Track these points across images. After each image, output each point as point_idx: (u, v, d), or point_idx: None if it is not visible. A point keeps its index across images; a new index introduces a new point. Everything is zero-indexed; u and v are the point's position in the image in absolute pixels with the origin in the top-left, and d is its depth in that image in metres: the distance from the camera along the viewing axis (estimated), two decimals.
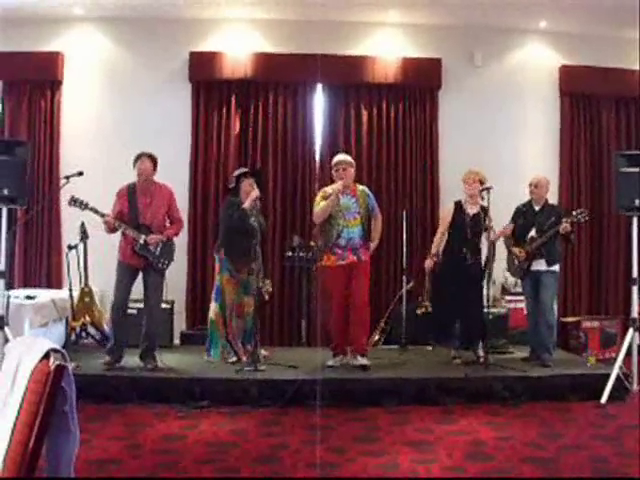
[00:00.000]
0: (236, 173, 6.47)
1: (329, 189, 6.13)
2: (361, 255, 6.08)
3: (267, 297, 6.67)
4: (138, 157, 5.88)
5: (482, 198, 6.28)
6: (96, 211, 5.76)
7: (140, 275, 5.96)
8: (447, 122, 8.09)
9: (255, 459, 4.19)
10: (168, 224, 6.08)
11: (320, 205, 6.09)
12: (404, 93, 8.08)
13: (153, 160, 5.92)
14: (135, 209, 5.85)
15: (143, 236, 5.79)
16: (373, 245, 6.30)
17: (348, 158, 6.34)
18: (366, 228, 6.16)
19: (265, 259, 6.57)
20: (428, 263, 6.50)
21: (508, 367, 5.94)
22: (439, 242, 6.46)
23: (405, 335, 7.15)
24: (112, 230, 5.85)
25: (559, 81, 8.22)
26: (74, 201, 5.77)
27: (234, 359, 6.19)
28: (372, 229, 6.29)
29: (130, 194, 5.88)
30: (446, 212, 6.51)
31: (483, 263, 6.30)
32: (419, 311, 7.36)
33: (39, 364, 2.16)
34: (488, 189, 6.09)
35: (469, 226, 6.25)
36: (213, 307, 6.41)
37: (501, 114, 8.16)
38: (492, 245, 6.20)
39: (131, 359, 6.01)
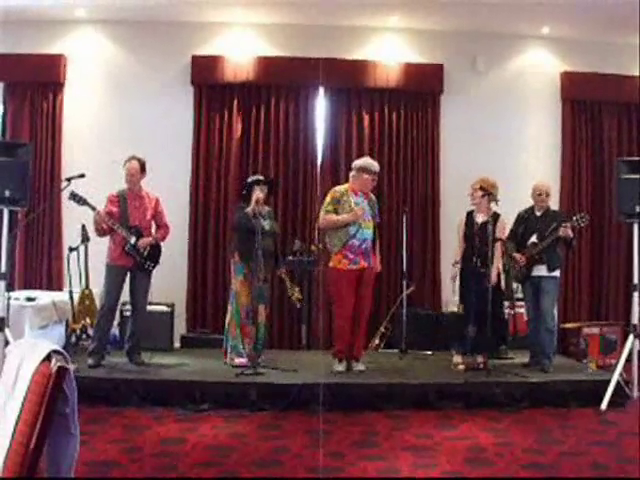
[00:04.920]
0: (249, 180, 6.46)
1: (341, 188, 6.14)
2: (372, 261, 6.05)
3: (298, 305, 6.75)
4: (127, 160, 6.16)
5: (491, 204, 6.24)
6: (93, 208, 5.95)
7: (127, 277, 6.15)
8: (449, 127, 8.09)
9: (255, 463, 4.18)
10: (154, 229, 6.32)
11: (332, 216, 6.00)
12: (406, 98, 8.08)
13: (141, 162, 6.17)
14: (125, 211, 6.09)
15: (133, 237, 6.01)
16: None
17: (377, 166, 6.24)
18: (376, 233, 6.15)
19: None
20: (451, 270, 6.63)
21: (508, 373, 5.94)
22: (458, 251, 6.46)
23: (405, 340, 7.14)
24: (102, 231, 6.05)
25: (561, 87, 8.23)
26: (74, 196, 5.94)
27: (242, 361, 6.10)
28: None
29: (120, 198, 6.12)
30: (459, 223, 6.51)
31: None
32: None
33: (40, 366, 2.16)
34: (487, 195, 6.11)
35: (477, 235, 6.25)
36: (229, 310, 6.42)
37: (503, 119, 8.16)
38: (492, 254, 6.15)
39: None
